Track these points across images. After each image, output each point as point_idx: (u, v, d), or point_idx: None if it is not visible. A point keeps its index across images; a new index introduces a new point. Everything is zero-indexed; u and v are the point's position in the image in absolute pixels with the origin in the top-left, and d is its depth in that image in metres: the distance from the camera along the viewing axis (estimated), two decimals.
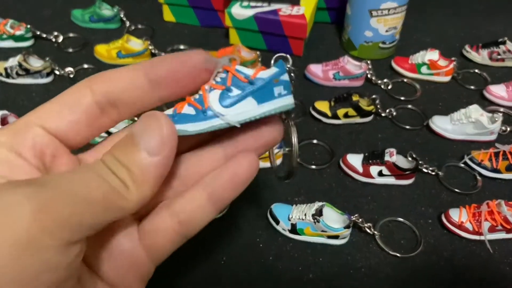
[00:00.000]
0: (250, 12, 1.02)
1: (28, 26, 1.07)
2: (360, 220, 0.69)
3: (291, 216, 0.68)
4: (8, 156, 0.23)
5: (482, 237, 0.69)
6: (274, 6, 1.04)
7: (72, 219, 0.20)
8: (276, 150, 0.78)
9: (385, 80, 0.98)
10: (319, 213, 0.66)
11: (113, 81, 0.25)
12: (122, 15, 1.17)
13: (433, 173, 0.79)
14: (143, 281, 0.27)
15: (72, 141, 0.25)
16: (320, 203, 0.68)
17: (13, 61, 0.95)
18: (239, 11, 1.03)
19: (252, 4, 1.05)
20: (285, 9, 1.03)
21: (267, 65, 1.03)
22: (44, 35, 1.09)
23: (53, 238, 0.19)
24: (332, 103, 0.88)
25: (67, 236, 0.20)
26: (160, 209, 0.26)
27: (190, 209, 0.26)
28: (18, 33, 1.06)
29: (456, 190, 0.77)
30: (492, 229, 0.69)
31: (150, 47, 1.03)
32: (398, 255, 0.67)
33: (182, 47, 1.10)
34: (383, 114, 0.90)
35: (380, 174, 0.76)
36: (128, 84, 0.25)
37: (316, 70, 0.98)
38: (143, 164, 0.23)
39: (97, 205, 0.21)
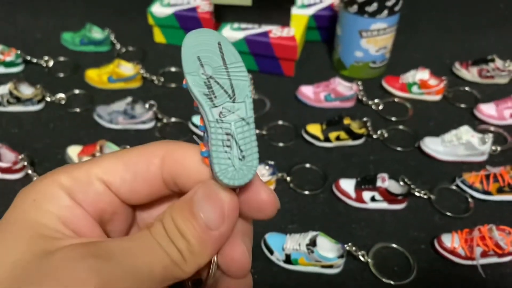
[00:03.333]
0: (240, 35, 1.02)
1: (18, 51, 1.07)
2: (354, 248, 0.69)
3: (285, 246, 0.68)
4: (70, 203, 0.23)
5: (474, 262, 0.69)
6: (265, 28, 1.04)
7: None
8: (269, 177, 0.78)
9: (376, 101, 0.99)
10: (313, 243, 0.67)
11: (185, 164, 0.25)
12: (112, 38, 1.17)
13: (425, 197, 0.79)
14: None
15: (130, 202, 0.26)
16: (314, 233, 0.68)
17: (3, 89, 0.95)
18: (229, 34, 1.03)
19: (243, 26, 1.05)
20: (276, 31, 1.03)
21: (258, 86, 1.02)
22: (35, 60, 1.09)
23: None
24: (324, 126, 0.89)
25: None
26: None
27: None
28: (8, 59, 1.05)
29: (448, 213, 0.77)
30: (484, 254, 0.69)
31: (141, 71, 1.03)
32: (392, 282, 0.67)
33: (173, 69, 1.10)
34: (374, 136, 0.91)
35: (373, 199, 0.77)
36: (197, 169, 0.25)
37: (307, 92, 0.98)
38: (202, 237, 0.23)
39: (156, 279, 0.22)
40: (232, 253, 0.26)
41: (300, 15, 1.10)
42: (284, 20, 1.05)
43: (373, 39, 1.00)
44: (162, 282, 0.22)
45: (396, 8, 0.96)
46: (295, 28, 1.05)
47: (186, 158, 0.25)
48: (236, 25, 1.06)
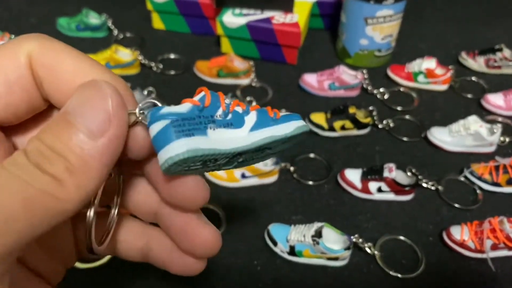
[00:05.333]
0: (242, 21, 0.99)
1: (12, 36, 1.04)
2: (360, 240, 0.67)
3: (290, 238, 0.66)
4: None
5: (484, 255, 0.67)
6: (267, 14, 1.01)
7: None
8: (272, 167, 0.76)
9: (381, 90, 0.96)
10: (318, 234, 0.64)
11: (54, 70, 0.20)
12: (109, 24, 1.13)
13: (433, 188, 0.77)
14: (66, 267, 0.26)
15: (7, 122, 0.21)
16: (319, 224, 0.66)
17: None
18: (231, 20, 1.00)
19: (244, 12, 1.02)
20: (279, 17, 1.00)
21: (260, 74, 1.00)
22: None
23: None
24: (329, 115, 0.86)
25: None
26: None
27: None
28: (2, 43, 1.02)
29: (456, 205, 0.75)
30: (494, 247, 0.67)
31: (140, 57, 1.00)
32: (399, 275, 0.65)
33: (172, 56, 1.07)
34: (380, 126, 0.88)
35: (379, 190, 0.74)
36: (66, 82, 0.20)
37: (311, 80, 0.96)
38: (83, 149, 0.18)
39: (19, 219, 0.16)
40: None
41: (304, 1, 1.07)
42: (287, 6, 1.01)
43: (379, 26, 0.97)
44: (33, 221, 0.17)
45: None
46: (298, 15, 1.01)
47: (57, 58, 0.20)
48: (237, 10, 1.03)
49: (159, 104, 0.22)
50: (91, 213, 0.21)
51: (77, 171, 0.18)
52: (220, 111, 0.22)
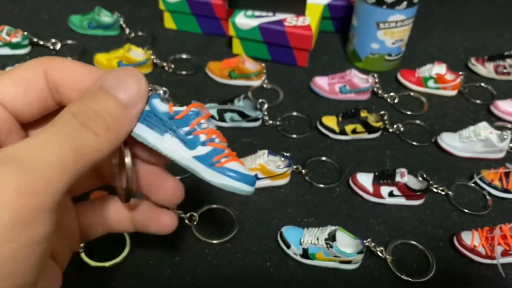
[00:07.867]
0: (254, 22, 1.00)
1: (25, 33, 1.04)
2: (373, 244, 0.67)
3: (303, 240, 0.67)
4: None
5: (494, 261, 0.68)
6: (279, 16, 1.02)
7: (51, 188, 0.21)
8: (284, 169, 0.76)
9: (391, 94, 0.97)
10: (332, 238, 0.65)
11: (67, 73, 0.26)
12: (121, 22, 1.14)
13: (443, 193, 0.78)
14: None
15: (24, 118, 0.26)
16: (333, 227, 0.66)
17: None
18: (243, 21, 1.00)
19: (257, 13, 1.02)
20: (290, 20, 1.01)
21: (271, 76, 1.00)
22: (42, 42, 1.06)
23: (38, 212, 0.20)
24: (340, 119, 0.87)
25: (49, 205, 0.21)
26: None
27: None
28: (14, 40, 1.02)
29: (466, 210, 0.76)
30: (505, 253, 0.68)
31: (152, 57, 1.01)
32: (410, 279, 0.66)
33: (184, 56, 1.07)
34: (390, 130, 0.89)
35: (391, 194, 0.75)
36: (79, 80, 0.26)
37: (322, 83, 0.96)
38: (119, 114, 0.24)
39: (69, 163, 0.22)
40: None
41: (315, 4, 1.08)
42: (299, 8, 1.02)
43: (390, 31, 0.97)
44: (78, 165, 0.22)
45: (415, 0, 0.94)
46: (310, 17, 1.02)
47: (69, 66, 0.27)
48: (250, 12, 1.03)
49: (161, 92, 0.29)
50: (128, 160, 0.28)
51: (112, 128, 0.24)
52: (186, 128, 0.28)
